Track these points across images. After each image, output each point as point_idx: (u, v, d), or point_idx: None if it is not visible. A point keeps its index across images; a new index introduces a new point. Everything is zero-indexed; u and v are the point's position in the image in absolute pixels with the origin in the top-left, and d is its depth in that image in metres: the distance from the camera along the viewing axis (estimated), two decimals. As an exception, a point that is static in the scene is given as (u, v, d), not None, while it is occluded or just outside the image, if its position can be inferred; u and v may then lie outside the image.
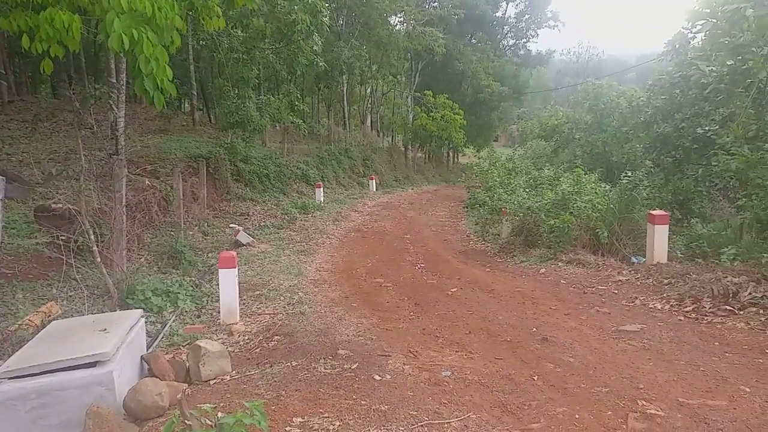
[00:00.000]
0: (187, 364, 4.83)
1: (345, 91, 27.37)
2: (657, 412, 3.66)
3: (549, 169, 15.91)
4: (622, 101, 20.46)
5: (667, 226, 7.87)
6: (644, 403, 3.81)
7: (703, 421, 3.53)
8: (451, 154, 42.01)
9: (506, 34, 41.79)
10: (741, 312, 5.65)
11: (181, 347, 5.69)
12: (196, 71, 18.60)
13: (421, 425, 3.65)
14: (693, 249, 9.75)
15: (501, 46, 41.59)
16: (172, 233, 10.17)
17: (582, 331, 5.60)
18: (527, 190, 12.78)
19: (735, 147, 7.51)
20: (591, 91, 21.19)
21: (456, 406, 3.93)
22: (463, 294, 7.58)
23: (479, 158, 23.38)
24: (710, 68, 7.81)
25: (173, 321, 6.44)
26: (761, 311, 5.53)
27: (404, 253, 11.25)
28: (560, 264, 9.23)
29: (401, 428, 3.61)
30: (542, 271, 9.01)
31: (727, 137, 7.65)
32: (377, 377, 4.52)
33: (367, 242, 12.47)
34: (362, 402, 4.03)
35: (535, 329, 5.76)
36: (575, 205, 10.36)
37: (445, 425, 3.64)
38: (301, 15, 14.86)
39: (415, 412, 3.83)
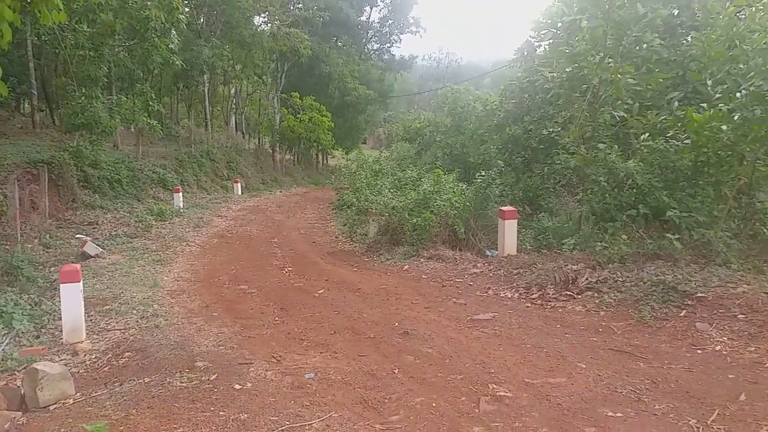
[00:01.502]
0: (22, 390, 4.33)
1: (207, 91, 26.31)
2: (506, 394, 3.90)
3: (413, 170, 16.43)
4: (478, 105, 21.70)
5: (516, 220, 8.45)
6: (494, 386, 4.03)
7: (546, 398, 3.81)
8: (320, 156, 42.02)
9: (371, 38, 42.69)
10: (579, 296, 6.20)
11: (15, 372, 5.09)
12: (36, 69, 16.86)
13: (282, 430, 3.57)
14: (540, 241, 10.56)
15: (366, 50, 42.39)
16: (6, 247, 9.11)
17: (440, 323, 5.83)
18: (392, 190, 13.09)
19: (573, 147, 8.24)
20: (450, 95, 22.24)
21: (318, 407, 3.90)
22: (330, 295, 7.57)
23: (347, 160, 23.61)
24: (552, 74, 8.51)
25: (6, 344, 5.74)
26: (596, 295, 6.10)
27: (271, 257, 11.01)
28: (422, 260, 9.54)
29: (261, 436, 3.51)
30: (406, 267, 9.26)
31: (567, 138, 8.37)
32: (237, 386, 4.36)
33: (232, 248, 12.04)
34: (221, 413, 3.86)
35: (397, 324, 5.89)
36: (435, 203, 10.78)
37: (306, 427, 3.59)
38: (155, 11, 14.01)
39: (276, 418, 3.74)
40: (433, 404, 3.80)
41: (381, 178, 16.90)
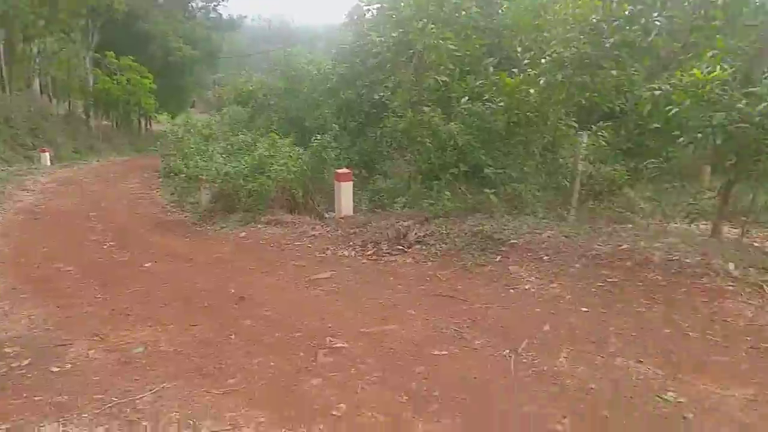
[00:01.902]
0: None
1: (2, 49, 22.88)
2: (343, 345, 4.04)
3: (246, 135, 15.94)
4: (311, 68, 21.56)
5: (351, 183, 8.64)
6: (332, 339, 4.16)
7: (380, 345, 4.02)
8: (142, 121, 38.95)
9: (195, -5, 40.09)
10: (409, 250, 6.56)
11: None
12: None
13: (109, 407, 3.35)
14: (375, 201, 10.95)
15: (190, 8, 39.73)
16: None
17: (279, 285, 5.82)
18: (225, 156, 12.58)
19: (401, 110, 8.57)
20: (282, 58, 21.77)
21: (149, 380, 3.71)
22: (159, 268, 7.14)
23: (174, 125, 22.19)
24: (380, 39, 8.71)
25: None
26: (424, 247, 6.50)
27: (89, 232, 10.06)
28: (260, 226, 9.39)
29: (85, 415, 3.26)
30: (242, 234, 9.04)
31: (396, 102, 8.67)
32: (55, 369, 3.98)
33: (42, 225, 10.79)
34: (35, 398, 3.51)
35: (233, 291, 5.76)
36: (272, 168, 10.61)
37: (136, 401, 3.41)
38: None
39: (101, 396, 3.49)
40: (272, 363, 3.82)
41: (212, 144, 16.18)
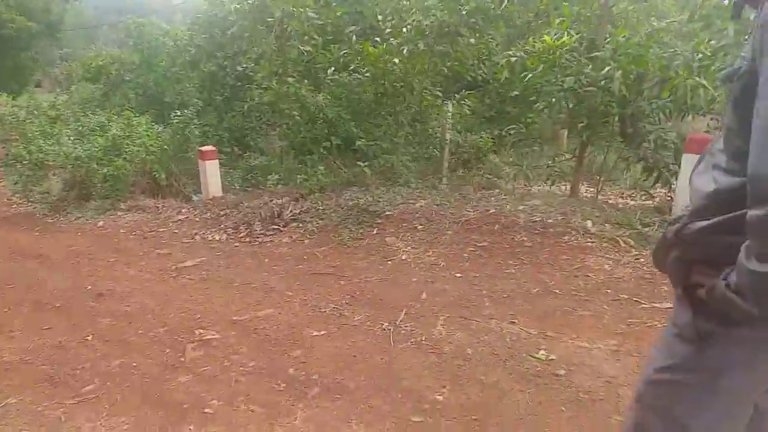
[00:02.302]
0: None
1: None
2: (213, 336, 3.79)
3: (100, 115, 14.56)
4: (167, 41, 20.11)
5: (217, 160, 8.18)
6: (201, 331, 3.88)
7: (254, 332, 3.82)
8: (-26, 103, 34.37)
9: (25, -41, 35.55)
10: (285, 228, 6.34)
11: None
12: None
13: (-65, 439, 2.87)
14: (249, 180, 10.51)
15: (22, -28, 35.27)
16: None
17: (142, 277, 5.37)
18: (74, 138, 11.38)
19: (266, 82, 8.19)
20: (134, 29, 20.06)
21: (-12, 398, 3.24)
22: (2, 268, 6.32)
23: (14, 106, 19.77)
24: (235, 6, 8.20)
25: None
26: (300, 225, 6.31)
27: None
28: (120, 213, 8.65)
29: None
30: (100, 224, 8.28)
31: (260, 74, 8.27)
32: None
33: None
34: None
35: (90, 287, 5.22)
36: (128, 149, 9.80)
37: (-29, 427, 2.95)
38: None
39: (-73, 426, 2.98)
40: (134, 364, 3.49)
41: (60, 126, 14.64)
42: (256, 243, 6.14)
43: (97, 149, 10.14)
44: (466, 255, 4.88)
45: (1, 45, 31.00)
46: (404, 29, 7.35)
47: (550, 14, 6.83)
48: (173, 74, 18.19)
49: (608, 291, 4.09)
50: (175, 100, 17.84)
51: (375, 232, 5.65)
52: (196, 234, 6.88)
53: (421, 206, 5.98)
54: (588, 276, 4.31)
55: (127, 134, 10.61)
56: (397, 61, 7.53)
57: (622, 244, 4.70)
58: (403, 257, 5.06)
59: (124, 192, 9.30)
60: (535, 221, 5.13)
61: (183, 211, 7.97)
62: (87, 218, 8.85)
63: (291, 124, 7.69)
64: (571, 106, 5.94)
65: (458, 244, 5.09)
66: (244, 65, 11.83)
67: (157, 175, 9.40)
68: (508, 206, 5.59)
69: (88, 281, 5.44)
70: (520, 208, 5.50)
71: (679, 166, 5.47)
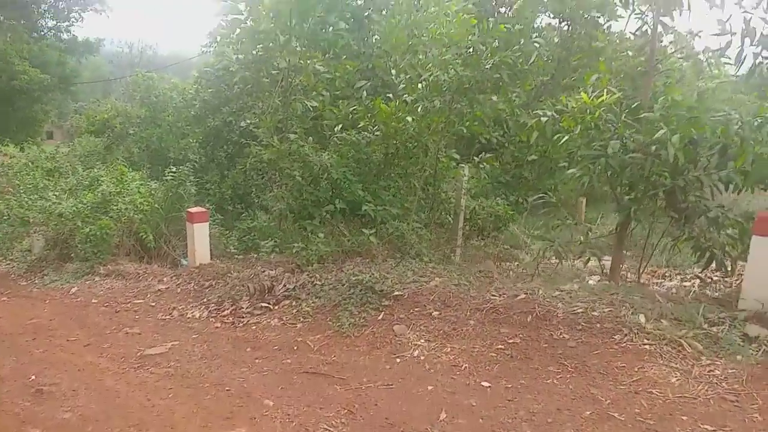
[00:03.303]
0: None
1: None
2: (162, 473, 2.83)
3: (100, 168, 13.95)
4: (175, 95, 19.81)
5: (207, 223, 7.35)
6: (148, 463, 2.93)
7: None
8: (-20, 154, 34.22)
9: (44, 13, 36.17)
10: (276, 307, 5.43)
11: None
12: None
13: None
14: (246, 242, 9.68)
15: (39, 26, 35.83)
16: None
17: (98, 367, 4.43)
18: (65, 193, 10.65)
19: (267, 138, 7.47)
20: (142, 83, 19.80)
21: None
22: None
23: (12, 158, 19.30)
24: (238, 56, 7.61)
25: None
26: (293, 303, 5.40)
27: None
28: (97, 278, 7.78)
29: None
30: (74, 290, 7.39)
31: (260, 129, 7.57)
32: None
33: None
34: None
35: (34, 377, 4.29)
36: (116, 207, 9.04)
37: None
38: None
39: None
40: None
41: (55, 179, 14.02)
42: (241, 324, 5.21)
43: (84, 206, 9.40)
44: (494, 355, 3.94)
45: (13, 96, 31.02)
46: (420, 85, 6.68)
47: (581, 70, 6.13)
48: (179, 129, 17.77)
49: (683, 418, 3.12)
50: (178, 155, 17.36)
51: (381, 317, 4.72)
52: (174, 309, 5.98)
53: (436, 286, 5.06)
54: (652, 393, 3.35)
55: (118, 190, 9.91)
56: (410, 119, 6.83)
57: (688, 349, 3.75)
58: (415, 353, 4.12)
59: (106, 254, 8.44)
60: (577, 313, 4.20)
61: (165, 279, 7.08)
62: (62, 282, 7.97)
63: (291, 184, 6.90)
64: (611, 174, 5.12)
65: (483, 338, 4.15)
66: (248, 121, 11.23)
67: (144, 237, 8.59)
68: (540, 291, 4.68)
69: (35, 368, 4.50)
70: (556, 294, 4.58)
71: (745, 249, 4.58)
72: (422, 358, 4.04)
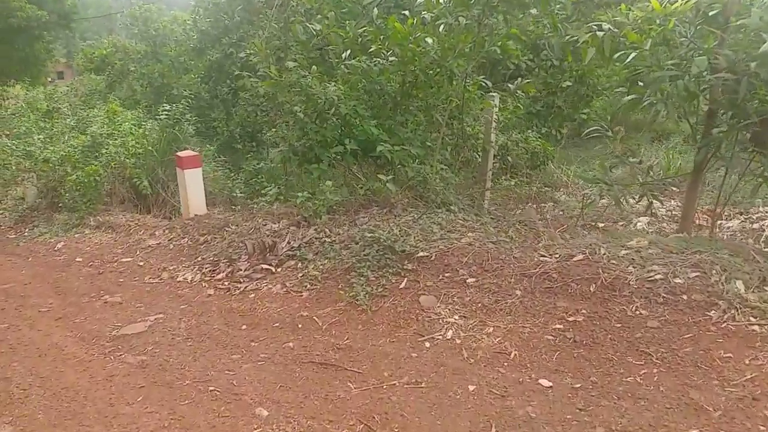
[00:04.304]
0: None
1: None
2: None
3: (101, 108, 13.02)
4: (176, 28, 18.56)
5: (200, 168, 6.44)
6: None
7: None
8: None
9: (37, -56, 34.19)
10: (279, 269, 4.59)
11: None
12: None
13: None
14: (252, 186, 8.84)
15: (34, -40, 33.97)
16: None
17: (63, 351, 3.66)
18: (42, 137, 9.74)
19: (264, 68, 6.42)
20: (139, 15, 18.53)
21: None
22: None
23: (8, 99, 18.45)
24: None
25: None
26: (299, 264, 4.55)
27: None
28: (87, 231, 7.02)
29: None
30: (59, 245, 6.65)
31: (256, 58, 6.49)
32: None
33: None
34: None
35: (-14, 365, 3.56)
36: (107, 150, 8.18)
37: None
38: None
39: None
40: None
41: (52, 121, 13.13)
42: (237, 291, 4.39)
43: (74, 149, 8.56)
44: (550, 338, 3.07)
45: (11, 35, 29.71)
46: (441, -1, 5.54)
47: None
48: (181, 64, 16.69)
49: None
50: (182, 92, 16.36)
51: (404, 285, 3.85)
52: (164, 270, 5.19)
53: (469, 244, 4.15)
54: (775, 397, 2.48)
55: (110, 132, 9.03)
56: (430, 41, 5.70)
57: (810, 327, 2.85)
58: (449, 334, 3.26)
59: (96, 203, 7.65)
60: (654, 280, 3.29)
61: (157, 233, 6.27)
62: (51, 235, 7.25)
63: (292, 122, 5.90)
64: (690, 99, 4.07)
65: (535, 314, 3.27)
66: (248, 51, 10.11)
67: (138, 183, 7.75)
68: (602, 249, 3.75)
69: (-8, 352, 3.77)
70: (623, 253, 3.65)
71: None
72: (458, 341, 3.19)
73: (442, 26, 5.64)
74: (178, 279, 4.92)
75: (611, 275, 3.41)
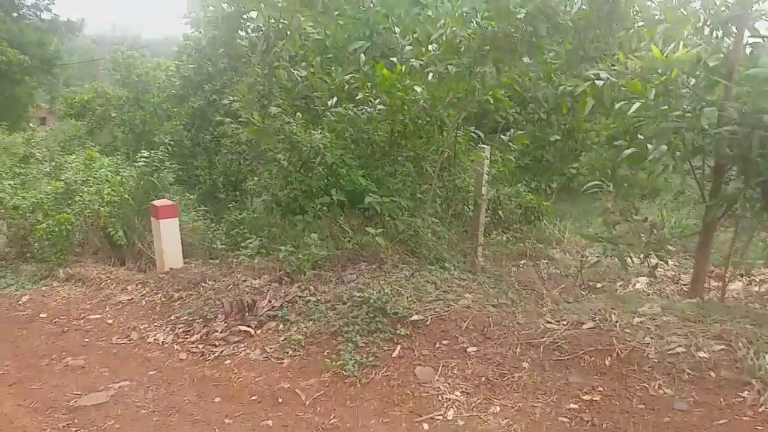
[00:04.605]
0: None
1: None
2: None
3: (80, 154, 12.67)
4: (159, 74, 18.43)
5: (177, 218, 6.09)
6: None
7: None
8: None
9: (22, -9, 34.30)
10: (258, 331, 4.21)
11: None
12: None
13: None
14: (234, 237, 8.46)
15: (18, 5, 34.03)
16: None
17: (13, 422, 3.23)
18: (13, 183, 9.31)
19: (247, 113, 6.17)
20: (122, 61, 18.38)
21: None
22: None
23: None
24: (208, 15, 6.27)
25: None
26: (281, 326, 4.18)
27: None
28: (56, 284, 6.56)
29: None
30: (24, 299, 6.17)
31: (236, 102, 6.26)
32: None
33: None
34: None
35: None
36: (80, 198, 7.80)
37: None
38: None
39: None
40: None
41: (30, 166, 12.71)
42: (212, 356, 3.99)
43: (46, 196, 8.15)
44: (566, 420, 2.72)
45: (-7, 78, 29.52)
46: (431, 46, 5.39)
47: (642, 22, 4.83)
48: (164, 111, 16.51)
49: None
50: (164, 139, 16.09)
51: (397, 353, 3.49)
52: (134, 329, 4.76)
53: (467, 306, 3.82)
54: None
55: (84, 179, 8.65)
56: (419, 89, 5.54)
57: None
58: (450, 415, 2.90)
59: (67, 254, 7.21)
60: (677, 354, 2.98)
61: (129, 288, 5.85)
62: (17, 287, 6.76)
63: (276, 171, 5.61)
64: (695, 154, 3.88)
65: (546, 392, 2.94)
66: (231, 98, 9.92)
67: (113, 233, 7.34)
68: (613, 316, 3.45)
69: (-73, 430, 3.31)
70: (636, 321, 3.36)
71: None
72: (460, 422, 2.82)
73: (431, 74, 5.49)
74: (148, 340, 4.50)
75: (627, 346, 3.10)
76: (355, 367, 3.40)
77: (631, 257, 4.25)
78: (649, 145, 4.14)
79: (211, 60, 12.64)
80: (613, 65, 4.26)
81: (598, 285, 5.23)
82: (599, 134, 10.28)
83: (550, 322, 3.48)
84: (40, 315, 5.53)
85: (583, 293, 4.71)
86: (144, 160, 8.33)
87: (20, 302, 6.10)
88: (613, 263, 5.63)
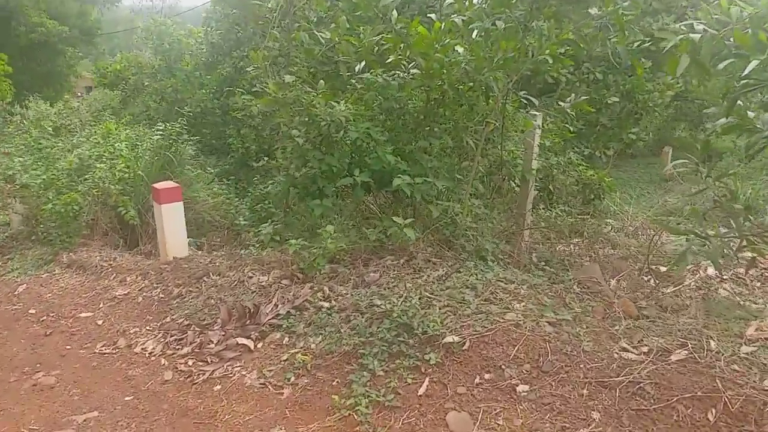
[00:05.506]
0: None
1: None
2: None
3: (112, 124, 12.23)
4: (191, 41, 17.84)
5: (181, 202, 5.39)
6: None
7: None
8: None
9: (62, -39, 34.17)
10: (259, 345, 3.47)
11: None
12: None
13: None
14: (258, 212, 7.80)
15: (58, -24, 33.96)
16: None
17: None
18: (24, 158, 8.80)
19: (260, 82, 5.37)
20: (154, 29, 17.83)
21: None
22: None
23: (17, 114, 17.80)
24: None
25: None
26: (285, 339, 3.43)
27: None
28: (57, 271, 6.05)
29: None
30: (22, 288, 5.67)
31: (249, 68, 5.45)
32: None
33: None
34: None
35: None
36: (92, 175, 7.23)
37: None
38: None
39: None
40: None
41: (59, 137, 12.33)
42: (201, 378, 3.27)
43: (60, 173, 7.64)
44: None
45: (35, 50, 29.60)
46: (475, -2, 4.44)
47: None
48: (196, 79, 15.95)
49: None
50: (196, 108, 15.56)
51: (424, 389, 2.68)
52: (122, 334, 4.11)
53: (516, 324, 2.97)
54: None
55: (100, 154, 8.08)
56: (461, 49, 4.58)
57: None
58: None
59: (75, 235, 6.68)
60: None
61: (128, 280, 5.22)
62: (20, 272, 6.28)
63: (290, 150, 4.80)
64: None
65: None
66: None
67: (124, 213, 6.75)
68: (712, 343, 2.56)
69: None
70: (744, 351, 2.46)
71: None
72: None
73: (475, 32, 4.54)
74: (135, 349, 3.84)
75: (738, 393, 2.22)
76: (369, 407, 2.61)
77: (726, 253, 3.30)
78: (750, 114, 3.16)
79: (239, 25, 11.89)
80: (715, 14, 3.24)
81: (663, 269, 4.28)
82: (663, 95, 9.10)
83: (625, 349, 2.61)
84: (30, 311, 4.97)
85: (650, 281, 3.81)
86: (160, 133, 7.68)
87: (16, 293, 5.59)
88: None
